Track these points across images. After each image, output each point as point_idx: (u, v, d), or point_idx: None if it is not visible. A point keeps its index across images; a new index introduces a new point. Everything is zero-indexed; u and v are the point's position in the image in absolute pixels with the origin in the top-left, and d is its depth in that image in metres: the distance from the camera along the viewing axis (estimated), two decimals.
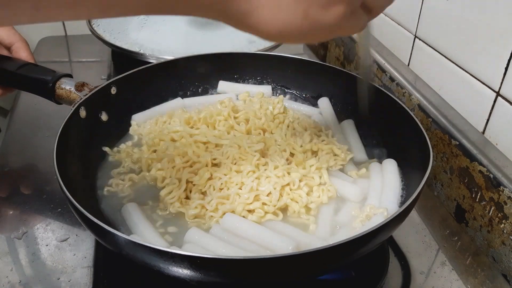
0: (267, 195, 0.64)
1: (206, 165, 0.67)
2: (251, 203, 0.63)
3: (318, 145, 0.73)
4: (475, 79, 0.77)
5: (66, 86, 0.75)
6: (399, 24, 0.99)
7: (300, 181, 0.66)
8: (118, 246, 0.52)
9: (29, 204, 0.73)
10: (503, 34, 0.70)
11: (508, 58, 0.69)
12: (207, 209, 0.63)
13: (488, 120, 0.75)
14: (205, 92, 0.90)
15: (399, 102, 0.73)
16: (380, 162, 0.74)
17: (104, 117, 0.77)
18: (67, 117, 0.67)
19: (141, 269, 0.59)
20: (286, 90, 0.91)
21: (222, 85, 0.89)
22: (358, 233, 0.50)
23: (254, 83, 0.92)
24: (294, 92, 0.91)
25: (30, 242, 0.67)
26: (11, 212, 0.72)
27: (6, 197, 0.75)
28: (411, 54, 0.96)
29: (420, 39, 0.92)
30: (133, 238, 0.49)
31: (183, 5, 0.40)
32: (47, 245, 0.66)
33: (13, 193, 0.76)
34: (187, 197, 0.65)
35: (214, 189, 0.65)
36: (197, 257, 0.47)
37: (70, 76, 0.77)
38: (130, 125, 0.81)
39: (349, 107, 0.85)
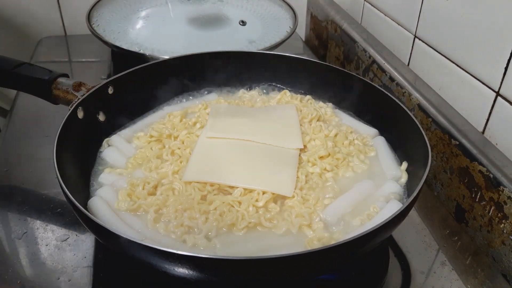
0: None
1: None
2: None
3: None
4: (475, 79, 0.77)
5: (63, 86, 0.75)
6: (399, 24, 0.99)
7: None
8: (120, 247, 0.53)
9: (29, 204, 0.73)
10: (503, 34, 0.70)
11: (508, 58, 0.69)
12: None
13: (488, 120, 0.75)
14: (203, 92, 0.90)
15: (399, 102, 0.73)
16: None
17: (101, 117, 0.76)
18: (65, 118, 0.66)
19: (141, 269, 0.60)
20: (285, 89, 0.91)
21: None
22: (358, 233, 0.50)
23: (254, 82, 0.92)
24: (293, 90, 0.90)
25: (30, 242, 0.67)
26: (11, 212, 0.72)
27: (6, 197, 0.75)
28: (411, 54, 0.96)
29: (420, 39, 0.92)
30: (134, 239, 0.49)
31: None
32: (47, 245, 0.66)
33: (12, 193, 0.76)
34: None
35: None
36: (202, 258, 0.47)
37: (66, 76, 0.77)
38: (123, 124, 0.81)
39: (348, 105, 0.85)
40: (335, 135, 0.76)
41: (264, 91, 0.91)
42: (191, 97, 0.89)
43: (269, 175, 0.67)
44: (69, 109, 0.69)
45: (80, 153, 0.69)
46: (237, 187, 0.65)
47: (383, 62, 0.98)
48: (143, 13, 1.17)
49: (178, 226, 0.60)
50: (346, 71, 0.84)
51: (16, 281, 0.61)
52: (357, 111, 0.84)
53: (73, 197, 0.54)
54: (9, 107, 1.01)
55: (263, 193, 0.65)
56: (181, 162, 0.70)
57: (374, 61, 1.01)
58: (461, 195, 0.76)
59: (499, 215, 0.68)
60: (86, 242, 0.67)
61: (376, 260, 0.67)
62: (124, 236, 0.49)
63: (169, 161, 0.71)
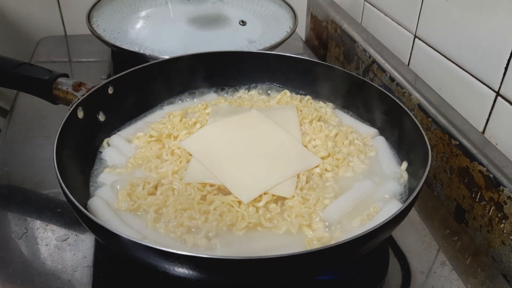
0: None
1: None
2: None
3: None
4: (475, 79, 0.77)
5: (63, 86, 0.75)
6: (399, 24, 0.99)
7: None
8: (119, 247, 0.53)
9: (29, 204, 0.73)
10: (503, 34, 0.70)
11: (508, 58, 0.69)
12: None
13: (488, 120, 0.75)
14: (203, 92, 0.90)
15: (399, 102, 0.73)
16: None
17: (101, 117, 0.77)
18: (65, 118, 0.66)
19: (141, 269, 0.60)
20: (285, 89, 0.91)
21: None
22: (358, 233, 0.50)
23: (254, 82, 0.92)
24: (293, 90, 0.90)
25: (30, 242, 0.67)
26: (11, 212, 0.72)
27: (6, 197, 0.75)
28: (411, 54, 0.96)
29: (420, 39, 0.92)
30: (134, 239, 0.49)
31: None
32: (47, 245, 0.66)
33: (13, 193, 0.76)
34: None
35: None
36: (202, 258, 0.47)
37: (66, 76, 0.77)
38: (123, 124, 0.81)
39: (348, 105, 0.85)
40: (335, 135, 0.76)
41: (265, 91, 0.91)
42: (191, 97, 0.89)
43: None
44: (69, 109, 0.69)
45: (80, 153, 0.69)
46: None
47: (383, 62, 0.98)
48: (143, 13, 1.17)
49: (178, 226, 0.60)
50: (346, 71, 0.84)
51: (16, 281, 0.61)
52: (357, 111, 0.84)
53: (73, 197, 0.54)
54: (9, 107, 1.01)
55: (264, 193, 0.65)
56: (180, 162, 0.70)
57: (374, 61, 1.01)
58: (461, 195, 0.76)
59: (499, 215, 0.68)
60: (86, 242, 0.67)
61: (376, 260, 0.67)
62: (124, 236, 0.49)
63: (168, 161, 0.71)
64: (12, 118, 0.95)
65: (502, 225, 0.67)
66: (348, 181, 0.70)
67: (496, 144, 0.73)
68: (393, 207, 0.63)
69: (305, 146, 0.74)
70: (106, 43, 1.04)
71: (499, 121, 0.73)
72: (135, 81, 0.81)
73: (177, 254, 0.48)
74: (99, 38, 1.04)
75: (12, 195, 0.76)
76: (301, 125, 0.78)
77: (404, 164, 0.71)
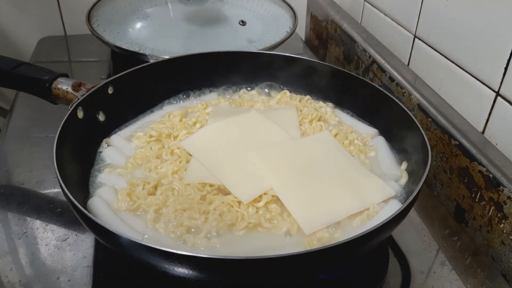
0: None
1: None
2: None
3: None
4: (475, 79, 0.77)
5: (62, 86, 0.75)
6: (399, 24, 0.99)
7: None
8: (119, 247, 0.53)
9: (29, 204, 0.73)
10: (503, 34, 0.70)
11: (507, 58, 0.69)
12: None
13: (487, 120, 0.75)
14: (203, 92, 0.90)
15: (399, 102, 0.73)
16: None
17: (101, 117, 0.77)
18: (65, 117, 0.66)
19: (141, 268, 0.60)
20: (285, 89, 0.91)
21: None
22: (358, 233, 0.50)
23: (254, 82, 0.92)
24: (293, 90, 0.90)
25: (30, 242, 0.67)
26: (11, 212, 0.72)
27: (6, 197, 0.75)
28: (410, 54, 0.96)
29: (419, 39, 0.92)
30: (134, 239, 0.49)
31: None
32: (46, 245, 0.66)
33: (13, 193, 0.76)
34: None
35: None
36: (202, 258, 0.47)
37: (66, 75, 0.77)
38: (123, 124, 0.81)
39: (348, 105, 0.86)
40: (335, 135, 0.76)
41: (265, 91, 0.91)
42: (191, 97, 0.89)
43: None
44: (69, 109, 0.69)
45: (80, 153, 0.69)
46: None
47: (383, 62, 0.98)
48: (143, 13, 1.17)
49: (178, 226, 0.60)
50: (346, 71, 0.84)
51: (16, 281, 0.61)
52: (357, 111, 0.84)
53: (73, 197, 0.54)
54: (9, 107, 1.01)
55: (264, 193, 0.65)
56: (180, 162, 0.70)
57: (374, 61, 1.01)
58: (461, 195, 0.76)
59: (499, 215, 0.68)
60: (86, 242, 0.67)
61: (376, 260, 0.67)
62: (124, 236, 0.49)
63: (168, 161, 0.71)
64: (12, 118, 0.95)
65: (502, 225, 0.67)
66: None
67: (496, 144, 0.73)
68: (393, 207, 0.63)
69: None
70: (106, 43, 1.04)
71: (499, 121, 0.73)
72: (135, 81, 0.81)
73: (177, 254, 0.48)
74: (99, 38, 1.04)
75: (12, 195, 0.76)
76: (301, 125, 0.78)
77: (404, 164, 0.71)
